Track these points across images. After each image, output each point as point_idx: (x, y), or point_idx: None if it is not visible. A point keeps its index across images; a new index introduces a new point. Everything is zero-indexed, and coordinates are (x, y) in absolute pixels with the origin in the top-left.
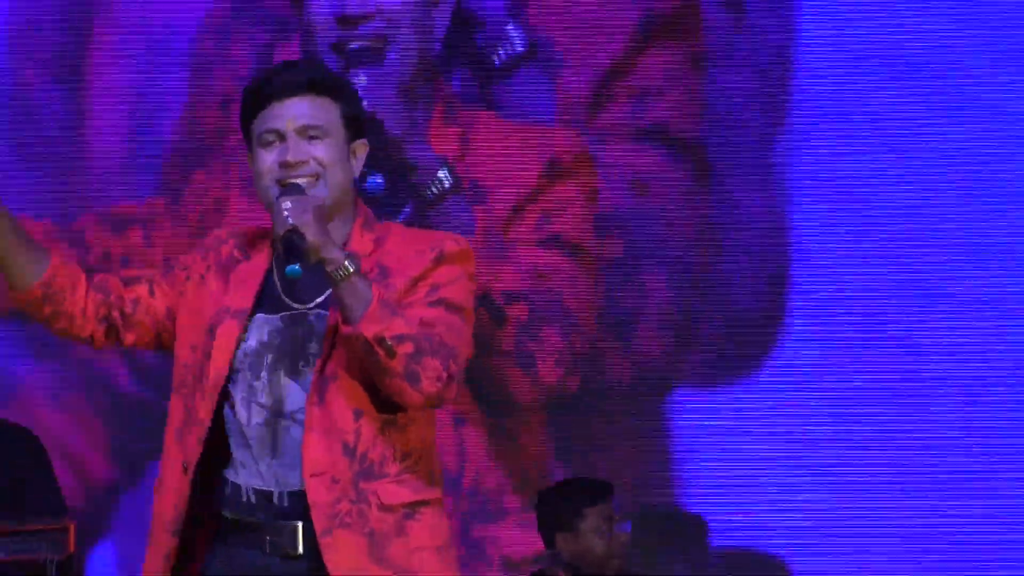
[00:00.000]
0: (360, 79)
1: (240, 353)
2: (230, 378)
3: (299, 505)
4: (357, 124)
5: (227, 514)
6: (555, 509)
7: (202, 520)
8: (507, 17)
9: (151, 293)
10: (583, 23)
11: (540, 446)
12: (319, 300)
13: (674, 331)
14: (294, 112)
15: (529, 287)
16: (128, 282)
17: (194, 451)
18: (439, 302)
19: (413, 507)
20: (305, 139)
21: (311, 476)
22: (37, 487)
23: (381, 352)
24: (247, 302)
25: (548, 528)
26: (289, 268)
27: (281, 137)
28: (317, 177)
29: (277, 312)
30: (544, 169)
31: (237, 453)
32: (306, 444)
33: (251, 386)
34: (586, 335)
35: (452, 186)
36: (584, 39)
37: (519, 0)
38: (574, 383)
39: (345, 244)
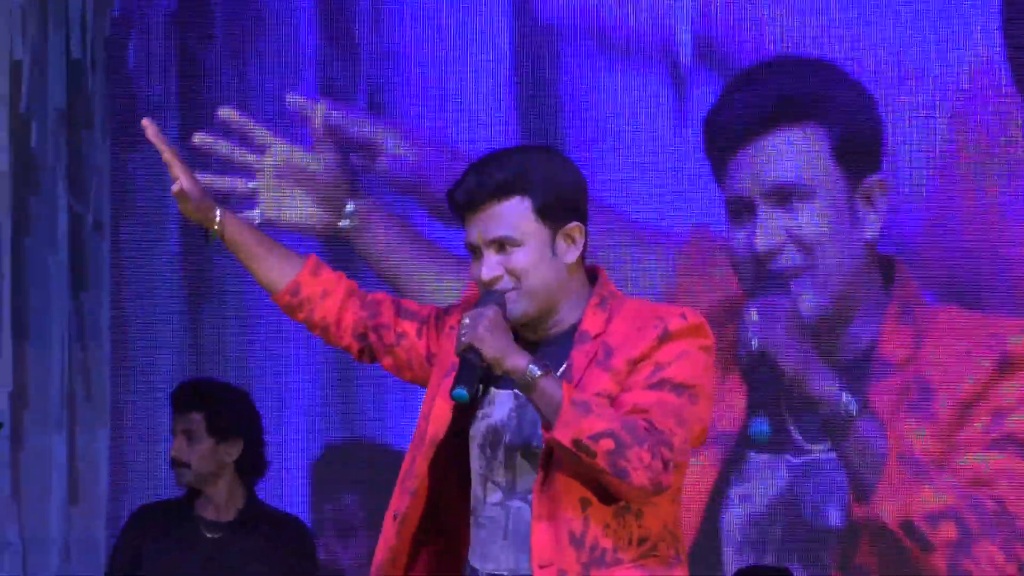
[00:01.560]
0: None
1: (480, 427)
2: (470, 451)
3: None
4: (559, 210)
5: None
6: None
7: None
8: None
9: (418, 335)
10: None
11: None
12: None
13: None
14: (483, 225)
15: (961, 502)
16: (403, 313)
17: (404, 503)
18: (661, 383)
19: None
20: (497, 251)
21: (539, 567)
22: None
23: (582, 454)
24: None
25: None
26: (455, 393)
27: (478, 251)
28: (516, 287)
29: (513, 388)
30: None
31: (473, 532)
32: (534, 532)
33: (489, 463)
34: None
35: (858, 410)
36: None
37: None
38: None
39: (579, 324)
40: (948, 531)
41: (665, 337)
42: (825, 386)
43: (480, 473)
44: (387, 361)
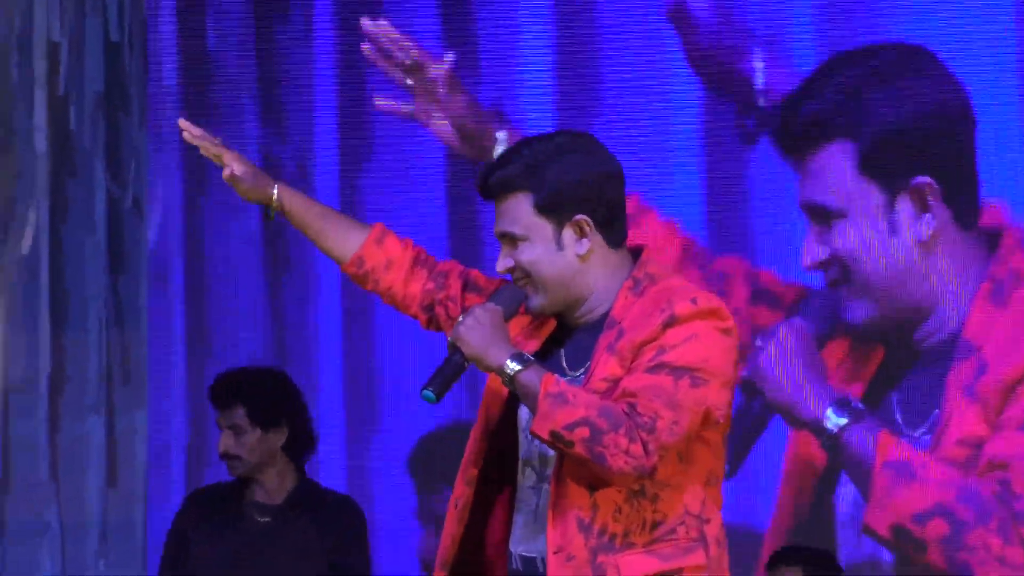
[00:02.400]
0: None
1: (523, 412)
2: (518, 440)
3: None
4: (563, 205)
5: None
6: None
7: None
8: None
9: (448, 289)
10: None
11: None
12: (583, 368)
13: None
14: (497, 219)
15: (949, 494)
16: (470, 287)
17: (461, 491)
18: (659, 367)
19: None
20: (509, 245)
21: (553, 553)
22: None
23: (560, 445)
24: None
25: None
26: (423, 393)
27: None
28: (527, 281)
29: (555, 371)
30: None
31: (514, 517)
32: (549, 518)
33: (528, 447)
34: None
35: (845, 423)
36: None
37: None
38: None
39: (609, 311)
40: (938, 527)
41: (671, 322)
42: (808, 411)
43: (522, 457)
44: None
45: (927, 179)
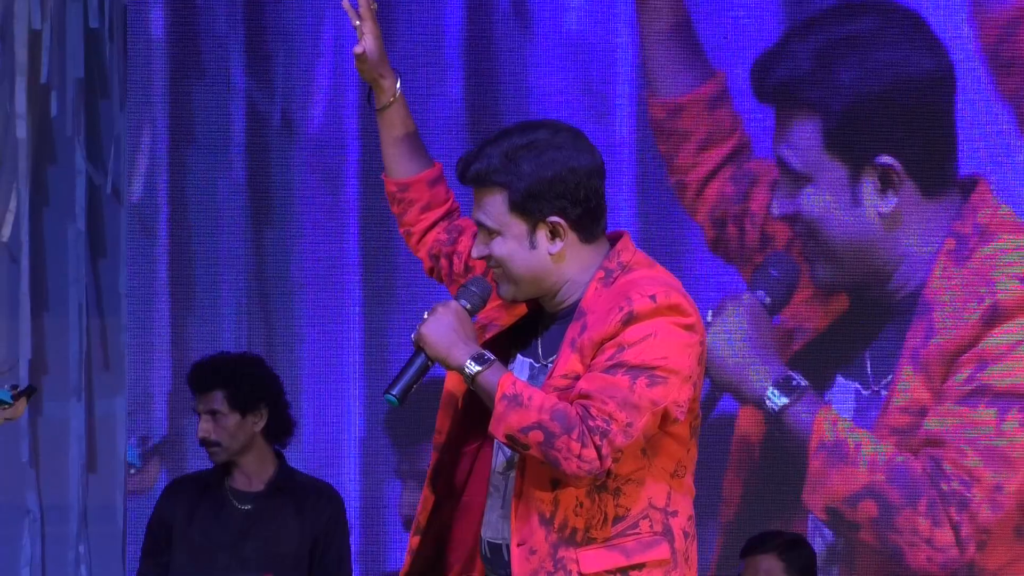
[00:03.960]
0: None
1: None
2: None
3: None
4: (538, 204)
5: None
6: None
7: None
8: None
9: (484, 274)
10: None
11: None
12: (552, 358)
13: None
14: (475, 204)
15: (879, 476)
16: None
17: (432, 458)
18: (616, 367)
19: (624, 572)
20: (485, 234)
21: (516, 545)
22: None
23: (517, 448)
24: (502, 339)
25: None
26: (387, 396)
27: None
28: (500, 271)
29: (530, 358)
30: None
31: (487, 500)
32: (512, 509)
33: None
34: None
35: (787, 401)
36: None
37: None
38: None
39: (578, 302)
40: (869, 509)
41: (629, 319)
42: (750, 385)
43: (496, 441)
44: (453, 290)
45: (891, 160)
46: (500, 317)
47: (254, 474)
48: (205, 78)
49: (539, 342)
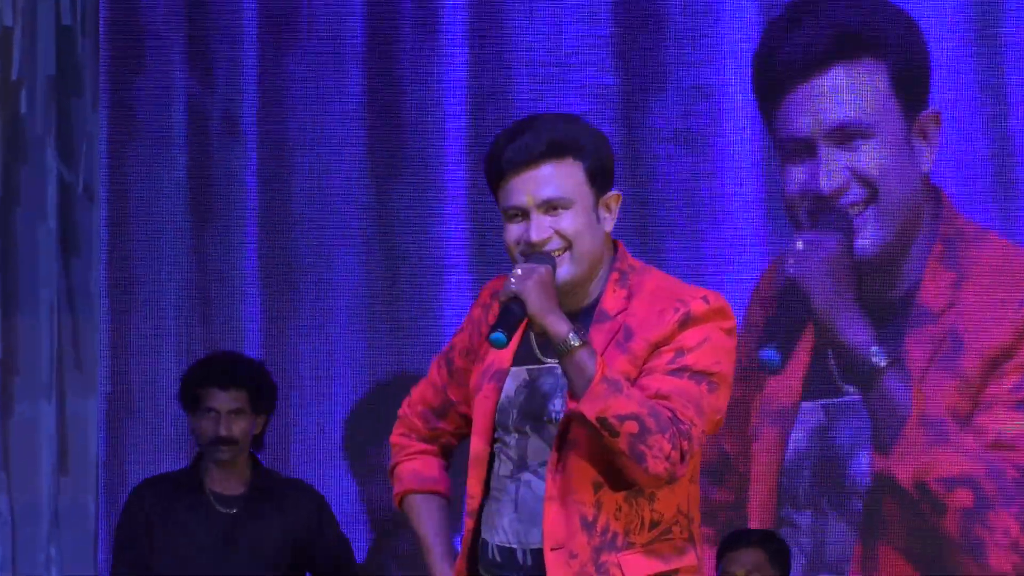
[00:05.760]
0: None
1: (499, 405)
2: (496, 434)
3: (543, 563)
4: (605, 176)
5: (481, 571)
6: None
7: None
8: None
9: (461, 415)
10: None
11: None
12: (552, 359)
13: None
14: (534, 185)
15: (979, 467)
16: (443, 415)
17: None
18: (682, 370)
19: None
20: (547, 213)
21: (551, 550)
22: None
23: (604, 432)
24: (505, 362)
25: None
26: (494, 336)
27: (525, 213)
28: (564, 250)
29: (526, 364)
30: None
31: (485, 507)
32: (546, 514)
33: (504, 439)
34: None
35: (887, 363)
36: None
37: None
38: None
39: (597, 302)
40: (963, 497)
41: (687, 322)
42: (856, 333)
43: (499, 447)
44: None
45: (935, 110)
46: (485, 319)
47: (235, 476)
48: (146, 74)
49: (532, 337)
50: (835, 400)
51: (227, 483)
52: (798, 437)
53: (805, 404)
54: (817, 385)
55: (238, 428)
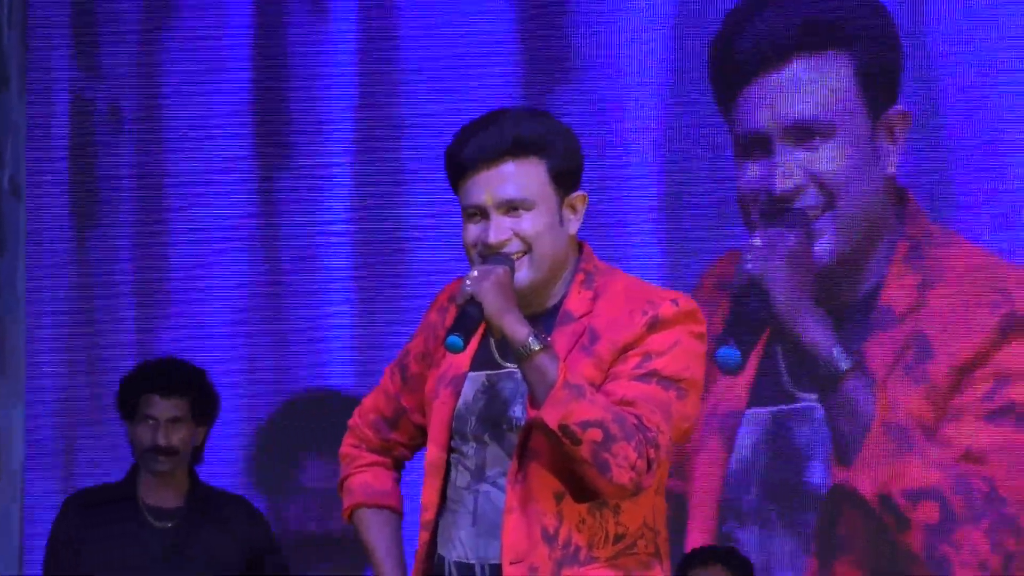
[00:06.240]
0: None
1: (456, 412)
2: (452, 443)
3: None
4: (570, 176)
5: None
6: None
7: None
8: None
9: (416, 425)
10: None
11: None
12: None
13: None
14: (494, 184)
15: (946, 480)
16: (396, 425)
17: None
18: (650, 375)
19: None
20: (508, 214)
21: (510, 563)
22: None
23: (566, 440)
24: (463, 367)
25: None
26: (449, 340)
27: (484, 213)
28: (524, 253)
29: (485, 369)
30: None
31: (441, 519)
32: (505, 525)
33: (461, 448)
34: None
35: (849, 367)
36: None
37: None
38: None
39: (561, 304)
40: (929, 511)
41: (656, 324)
42: (817, 335)
43: (455, 457)
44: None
45: (902, 108)
46: (441, 322)
47: (172, 489)
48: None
49: (492, 342)
50: (786, 407)
51: (163, 496)
52: (743, 446)
53: (752, 411)
54: (765, 391)
55: (177, 437)
